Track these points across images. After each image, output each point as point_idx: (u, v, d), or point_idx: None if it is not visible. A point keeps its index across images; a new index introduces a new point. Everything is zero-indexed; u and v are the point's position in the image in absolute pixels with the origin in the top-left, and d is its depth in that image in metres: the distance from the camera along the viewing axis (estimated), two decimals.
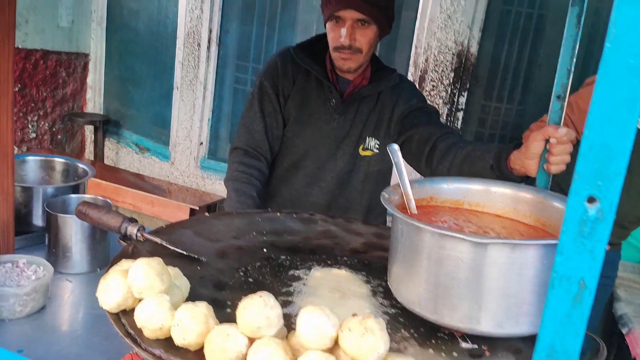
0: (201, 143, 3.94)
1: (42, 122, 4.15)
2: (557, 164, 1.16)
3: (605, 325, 2.49)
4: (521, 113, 3.27)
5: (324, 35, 1.70)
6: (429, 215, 1.10)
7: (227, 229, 1.28)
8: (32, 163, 1.66)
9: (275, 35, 3.68)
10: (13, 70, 1.20)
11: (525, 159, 1.22)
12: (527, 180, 1.30)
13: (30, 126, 4.07)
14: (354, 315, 0.73)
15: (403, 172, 1.09)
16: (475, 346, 0.89)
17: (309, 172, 1.75)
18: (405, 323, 0.95)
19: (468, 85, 3.24)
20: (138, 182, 3.85)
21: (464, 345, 0.89)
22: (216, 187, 3.88)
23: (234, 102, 3.91)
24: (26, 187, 1.45)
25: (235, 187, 1.65)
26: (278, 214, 1.40)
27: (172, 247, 1.08)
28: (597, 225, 0.41)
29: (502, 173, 1.31)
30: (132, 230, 1.11)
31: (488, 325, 0.87)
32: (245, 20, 3.77)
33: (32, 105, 4.03)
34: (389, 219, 1.46)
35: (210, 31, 3.78)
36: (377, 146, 1.74)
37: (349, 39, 1.58)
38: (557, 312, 0.42)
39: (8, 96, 1.20)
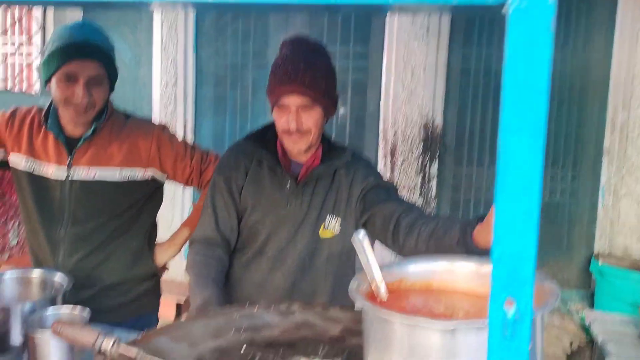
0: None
1: (23, 228, 4.14)
2: None
3: None
4: (493, 175, 3.36)
5: (274, 123, 1.77)
6: (400, 300, 1.11)
7: (204, 330, 1.28)
8: (9, 281, 1.66)
9: (248, 124, 3.80)
10: None
11: (488, 234, 1.25)
12: None
13: (11, 233, 4.06)
14: None
15: (370, 260, 1.08)
16: None
17: (271, 257, 1.78)
18: None
19: (438, 154, 3.35)
20: None
21: None
22: None
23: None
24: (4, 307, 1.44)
25: (194, 272, 1.70)
26: (255, 309, 1.40)
27: None
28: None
29: (468, 248, 1.34)
30: (107, 345, 1.11)
31: None
32: (218, 112, 3.89)
33: (12, 212, 4.04)
34: None
35: (185, 125, 3.89)
36: (338, 225, 1.77)
37: (295, 123, 1.65)
38: None
39: None
